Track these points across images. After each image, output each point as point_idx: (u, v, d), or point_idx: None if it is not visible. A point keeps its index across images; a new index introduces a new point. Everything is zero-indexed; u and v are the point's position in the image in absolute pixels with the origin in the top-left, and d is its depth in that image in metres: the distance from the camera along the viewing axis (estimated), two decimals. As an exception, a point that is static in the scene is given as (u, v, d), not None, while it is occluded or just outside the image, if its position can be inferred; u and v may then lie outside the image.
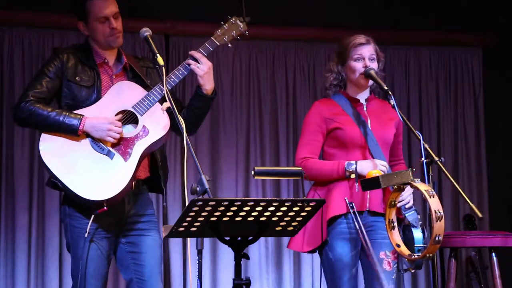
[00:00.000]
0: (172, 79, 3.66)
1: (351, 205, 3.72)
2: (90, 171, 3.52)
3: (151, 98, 3.63)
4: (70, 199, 3.58)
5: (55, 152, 3.54)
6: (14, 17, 5.80)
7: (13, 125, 5.68)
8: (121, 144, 3.57)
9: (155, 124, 3.62)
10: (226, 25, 3.83)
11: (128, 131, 3.61)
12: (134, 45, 5.89)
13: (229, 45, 3.84)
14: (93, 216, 3.51)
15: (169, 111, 3.55)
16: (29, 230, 5.66)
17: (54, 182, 3.54)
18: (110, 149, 3.55)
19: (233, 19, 3.85)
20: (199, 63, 3.69)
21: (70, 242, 3.62)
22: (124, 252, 3.70)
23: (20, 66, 5.75)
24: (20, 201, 5.68)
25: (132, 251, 3.69)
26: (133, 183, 3.61)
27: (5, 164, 5.69)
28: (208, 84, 3.73)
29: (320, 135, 3.88)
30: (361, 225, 3.73)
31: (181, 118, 3.42)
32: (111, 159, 3.54)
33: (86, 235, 3.53)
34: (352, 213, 3.72)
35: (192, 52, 3.72)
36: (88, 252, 3.57)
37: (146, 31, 3.64)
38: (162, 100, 3.64)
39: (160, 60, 3.52)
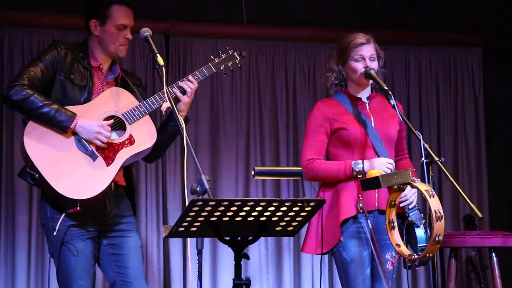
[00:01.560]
0: (155, 100, 3.68)
1: (360, 206, 3.73)
2: (71, 169, 3.51)
3: (142, 109, 3.65)
4: (50, 202, 3.57)
5: (39, 144, 3.52)
6: (14, 17, 5.79)
7: (13, 125, 5.67)
8: (106, 149, 3.57)
9: (142, 135, 3.64)
10: (224, 55, 3.88)
11: (115, 137, 3.61)
12: (134, 45, 5.89)
13: (224, 75, 3.93)
14: (63, 214, 3.51)
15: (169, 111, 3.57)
16: (29, 230, 5.66)
17: (30, 174, 3.52)
18: (94, 151, 3.55)
19: (231, 51, 3.91)
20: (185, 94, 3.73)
21: (53, 245, 3.60)
22: (106, 254, 3.70)
23: (20, 66, 5.73)
24: (20, 201, 5.67)
25: (114, 253, 3.69)
26: (112, 184, 3.61)
27: (5, 164, 5.68)
28: (185, 111, 3.76)
29: (324, 135, 3.89)
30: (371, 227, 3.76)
31: (181, 118, 3.43)
32: (94, 161, 3.54)
33: (55, 233, 3.52)
34: (365, 216, 3.74)
35: (182, 85, 3.74)
36: (61, 252, 3.56)
37: (146, 31, 3.65)
38: (152, 113, 3.68)
39: (160, 60, 3.53)
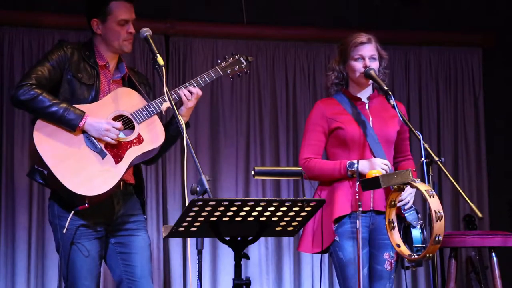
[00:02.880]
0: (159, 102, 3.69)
1: (359, 203, 3.72)
2: (81, 166, 3.52)
3: (151, 109, 3.66)
4: (58, 199, 3.58)
5: (48, 140, 3.53)
6: (14, 17, 5.80)
7: (13, 124, 5.68)
8: (115, 147, 3.58)
9: (150, 135, 3.64)
10: (231, 59, 3.89)
11: (124, 136, 3.62)
12: (134, 45, 5.86)
13: (231, 79, 3.94)
14: (72, 212, 3.51)
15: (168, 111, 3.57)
16: (29, 230, 5.66)
17: (39, 171, 3.52)
18: (103, 148, 3.56)
19: (237, 55, 3.91)
20: (189, 98, 3.72)
21: (60, 243, 3.60)
22: (113, 253, 3.70)
23: (20, 66, 5.74)
24: (20, 201, 5.67)
25: (122, 252, 3.69)
26: (121, 183, 3.62)
27: (5, 164, 5.68)
28: (186, 117, 3.77)
29: (322, 135, 3.89)
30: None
31: (181, 118, 3.43)
32: (103, 158, 3.55)
33: (64, 231, 3.53)
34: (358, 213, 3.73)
35: (190, 89, 3.74)
36: (70, 252, 3.56)
37: (146, 31, 3.66)
38: (160, 114, 3.69)
39: (160, 60, 3.53)
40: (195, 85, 3.75)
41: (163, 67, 3.52)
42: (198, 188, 3.10)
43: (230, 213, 2.98)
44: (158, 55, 3.55)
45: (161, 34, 5.99)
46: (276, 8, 6.26)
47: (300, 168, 3.68)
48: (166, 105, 3.63)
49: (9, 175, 5.67)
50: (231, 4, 6.15)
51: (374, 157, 3.81)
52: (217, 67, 3.84)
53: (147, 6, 5.84)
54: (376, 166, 3.71)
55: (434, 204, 3.34)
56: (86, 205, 3.48)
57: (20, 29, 5.80)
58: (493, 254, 4.76)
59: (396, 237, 3.55)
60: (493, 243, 4.75)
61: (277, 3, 6.27)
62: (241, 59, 3.90)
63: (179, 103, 3.74)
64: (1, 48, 5.76)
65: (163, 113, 3.75)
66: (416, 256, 3.48)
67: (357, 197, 3.71)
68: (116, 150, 3.58)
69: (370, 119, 3.89)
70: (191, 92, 3.72)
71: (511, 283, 5.34)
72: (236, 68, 3.88)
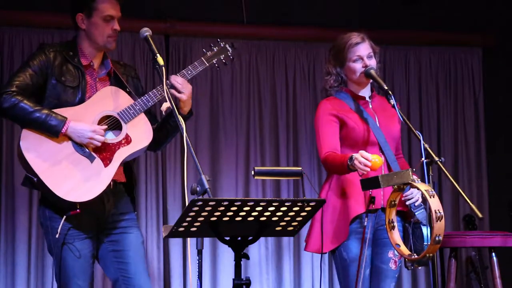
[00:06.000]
0: (151, 97, 3.66)
1: (372, 200, 3.68)
2: (69, 171, 3.50)
3: (137, 107, 3.63)
4: (48, 201, 3.57)
5: (36, 147, 3.50)
6: (14, 17, 5.80)
7: (13, 125, 5.67)
8: (103, 149, 3.56)
9: (138, 134, 3.62)
10: (216, 47, 3.86)
11: (111, 137, 3.60)
12: (134, 45, 5.89)
13: (217, 68, 3.90)
14: (64, 217, 3.50)
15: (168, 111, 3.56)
16: (29, 230, 5.66)
17: (30, 179, 3.51)
18: (92, 152, 3.54)
19: (223, 43, 3.88)
20: (179, 92, 3.67)
21: (52, 244, 3.60)
22: (106, 251, 3.69)
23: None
24: (20, 201, 5.67)
25: (114, 250, 3.68)
26: (111, 183, 3.60)
27: (5, 164, 5.69)
28: (187, 107, 3.73)
29: (335, 127, 3.82)
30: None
31: (181, 118, 3.42)
32: (91, 162, 3.52)
33: (57, 236, 3.52)
34: (366, 213, 3.71)
35: (173, 77, 3.70)
36: (62, 253, 3.55)
37: (146, 31, 3.64)
38: (147, 111, 3.66)
39: (160, 60, 3.52)
40: (172, 91, 3.68)
41: (163, 67, 3.50)
42: (198, 188, 3.10)
43: (230, 213, 2.98)
44: (158, 55, 3.54)
45: (161, 34, 5.99)
46: (276, 8, 6.26)
47: (300, 168, 3.67)
48: (166, 105, 3.62)
49: (9, 175, 5.67)
50: (231, 4, 6.15)
51: (383, 154, 3.79)
52: (202, 58, 3.80)
53: (147, 6, 5.85)
54: (355, 162, 3.60)
55: (434, 204, 3.34)
56: (78, 210, 3.48)
57: (20, 29, 5.80)
58: (493, 254, 4.76)
59: (396, 237, 3.54)
60: (493, 243, 4.75)
61: (277, 3, 6.28)
62: (227, 46, 3.87)
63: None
64: (1, 48, 5.76)
65: (163, 113, 3.75)
66: (417, 256, 3.48)
67: (370, 194, 3.66)
68: (105, 153, 3.56)
69: (376, 117, 3.88)
70: (177, 87, 3.68)
71: (511, 283, 5.34)
72: (222, 57, 3.84)
